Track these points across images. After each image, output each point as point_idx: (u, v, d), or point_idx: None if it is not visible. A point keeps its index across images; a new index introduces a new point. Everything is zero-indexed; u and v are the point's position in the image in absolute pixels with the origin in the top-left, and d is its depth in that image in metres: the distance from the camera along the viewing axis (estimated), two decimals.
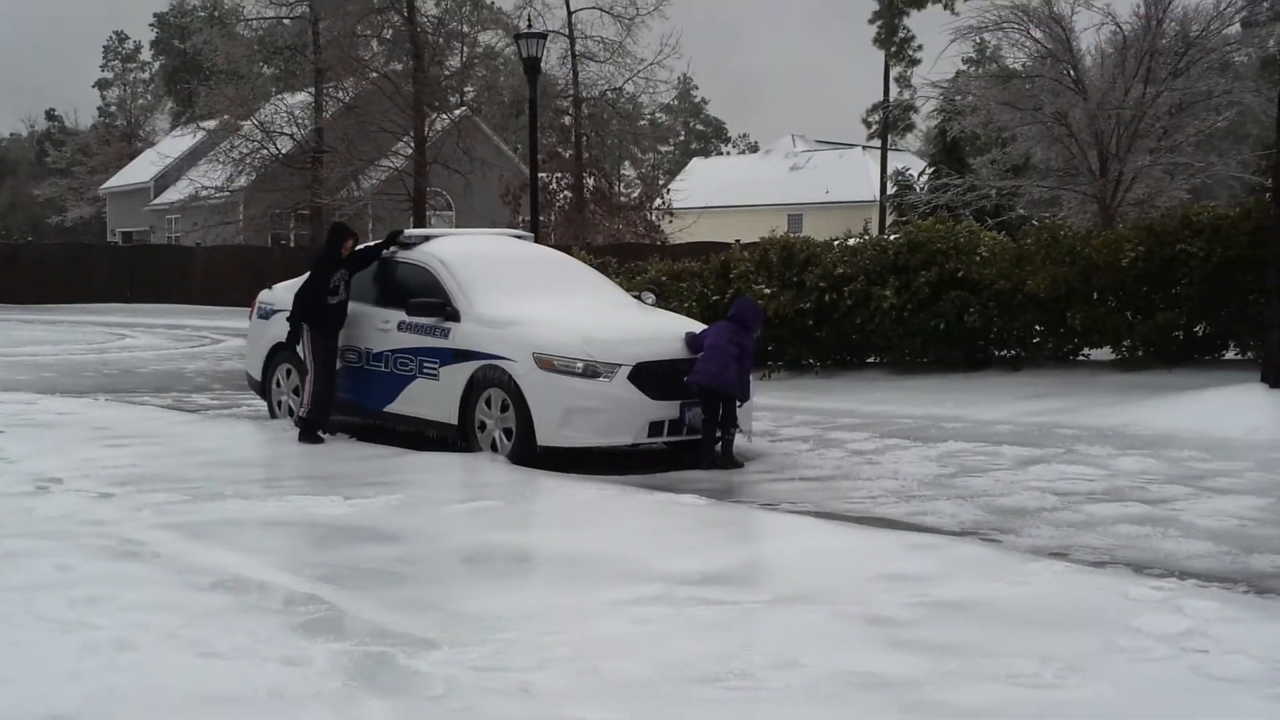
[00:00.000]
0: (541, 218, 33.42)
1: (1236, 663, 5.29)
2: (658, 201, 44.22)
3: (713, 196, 60.56)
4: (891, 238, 18.59)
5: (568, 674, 5.22)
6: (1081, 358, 16.90)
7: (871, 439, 12.16)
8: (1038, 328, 16.82)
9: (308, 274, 12.43)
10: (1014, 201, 30.62)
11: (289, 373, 13.11)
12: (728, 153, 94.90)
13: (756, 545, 8.06)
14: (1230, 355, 16.06)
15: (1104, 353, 16.54)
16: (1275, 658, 5.33)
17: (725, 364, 10.88)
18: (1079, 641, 5.58)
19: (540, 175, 32.54)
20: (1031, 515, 8.59)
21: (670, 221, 42.67)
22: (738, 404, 11.08)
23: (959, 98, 30.21)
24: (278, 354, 13.17)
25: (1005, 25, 23.88)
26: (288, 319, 12.41)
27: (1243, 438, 11.37)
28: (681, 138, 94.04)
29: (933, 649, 5.51)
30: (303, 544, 7.86)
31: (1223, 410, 12.13)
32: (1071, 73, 24.01)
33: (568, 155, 41.20)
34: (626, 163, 51.94)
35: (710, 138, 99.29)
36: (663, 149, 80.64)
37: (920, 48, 62.92)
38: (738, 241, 22.50)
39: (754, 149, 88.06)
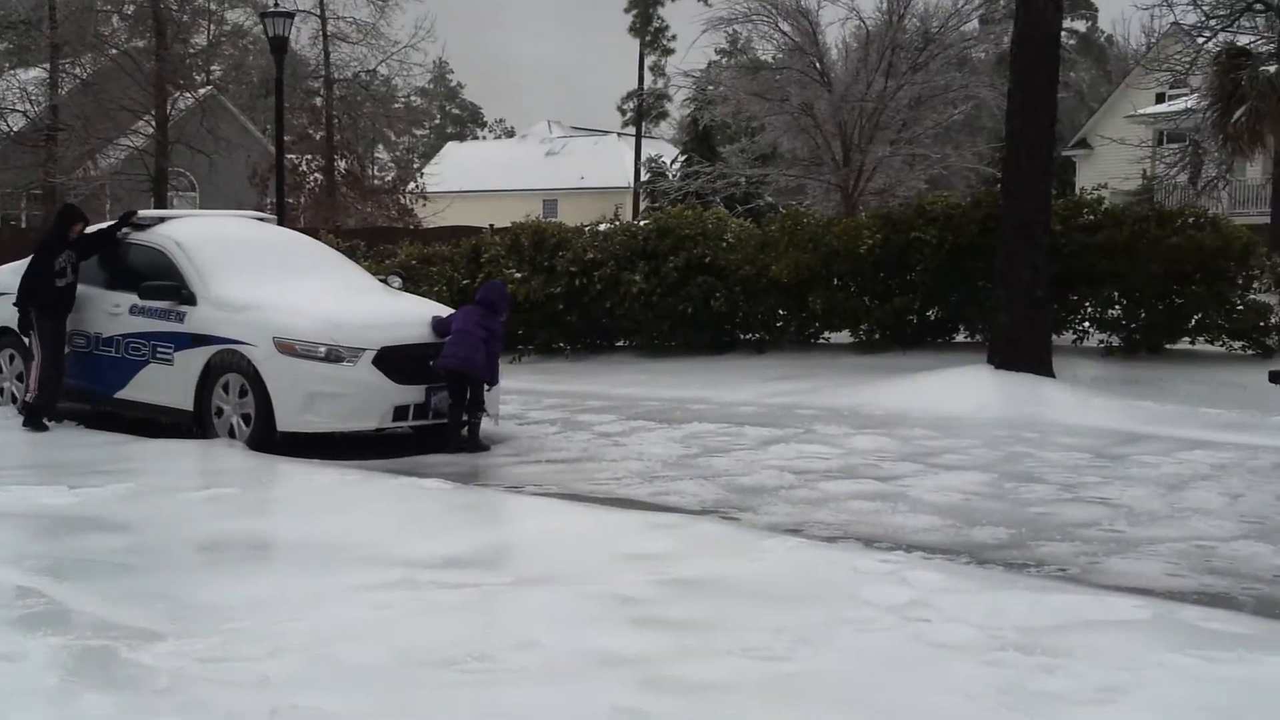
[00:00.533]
0: (290, 200, 32.63)
1: (957, 630, 5.50)
2: (411, 185, 43.70)
3: (468, 181, 60.15)
4: (641, 223, 18.81)
5: (301, 661, 5.09)
6: (822, 341, 17.39)
7: (618, 421, 12.26)
8: (781, 312, 17.22)
9: (31, 256, 11.87)
10: (762, 189, 31.32)
11: (12, 358, 12.50)
12: (484, 137, 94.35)
13: (500, 528, 8.03)
14: (961, 338, 16.74)
15: (843, 336, 17.07)
16: (993, 625, 5.55)
17: (473, 347, 10.82)
18: (810, 614, 5.72)
19: (290, 157, 31.79)
20: (770, 493, 8.79)
21: (424, 205, 42.22)
22: (485, 388, 11.02)
23: (710, 87, 30.72)
24: (1, 338, 12.53)
25: (755, 18, 24.39)
26: (14, 304, 11.82)
27: (971, 416, 11.88)
28: (437, 121, 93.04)
29: (671, 625, 5.57)
30: (24, 536, 7.48)
31: (953, 390, 12.66)
32: (818, 65, 24.66)
33: (319, 137, 40.31)
34: (380, 146, 51.17)
35: (466, 122, 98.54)
36: (417, 132, 79.69)
37: (674, 37, 63.89)
38: (490, 226, 22.41)
39: (510, 134, 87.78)
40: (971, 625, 5.56)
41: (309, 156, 39.86)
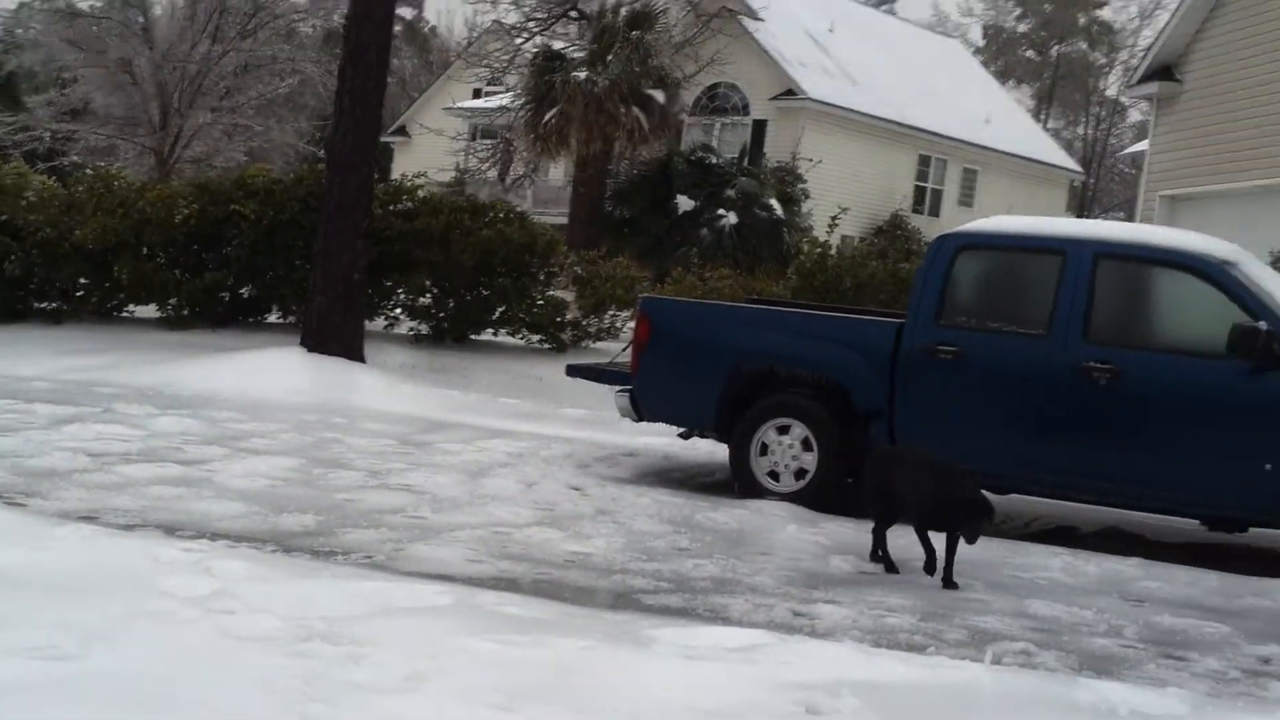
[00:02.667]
0: None
1: (263, 621, 5.34)
2: None
3: None
4: None
5: None
6: (127, 314, 16.52)
7: None
8: (83, 281, 16.19)
9: None
10: (70, 146, 29.34)
11: None
12: None
13: None
14: (274, 319, 16.51)
15: (151, 310, 16.30)
16: (299, 615, 5.44)
17: None
18: (105, 608, 5.33)
19: None
20: (63, 477, 8.16)
21: None
22: None
23: (20, 30, 28.37)
24: None
25: None
26: None
27: (281, 399, 11.74)
28: None
29: None
30: None
31: (264, 372, 12.45)
32: (141, 19, 23.45)
33: None
34: None
35: None
36: None
37: None
38: None
39: None
40: (277, 616, 5.42)
41: None
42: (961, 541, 6.97)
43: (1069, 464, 8.43)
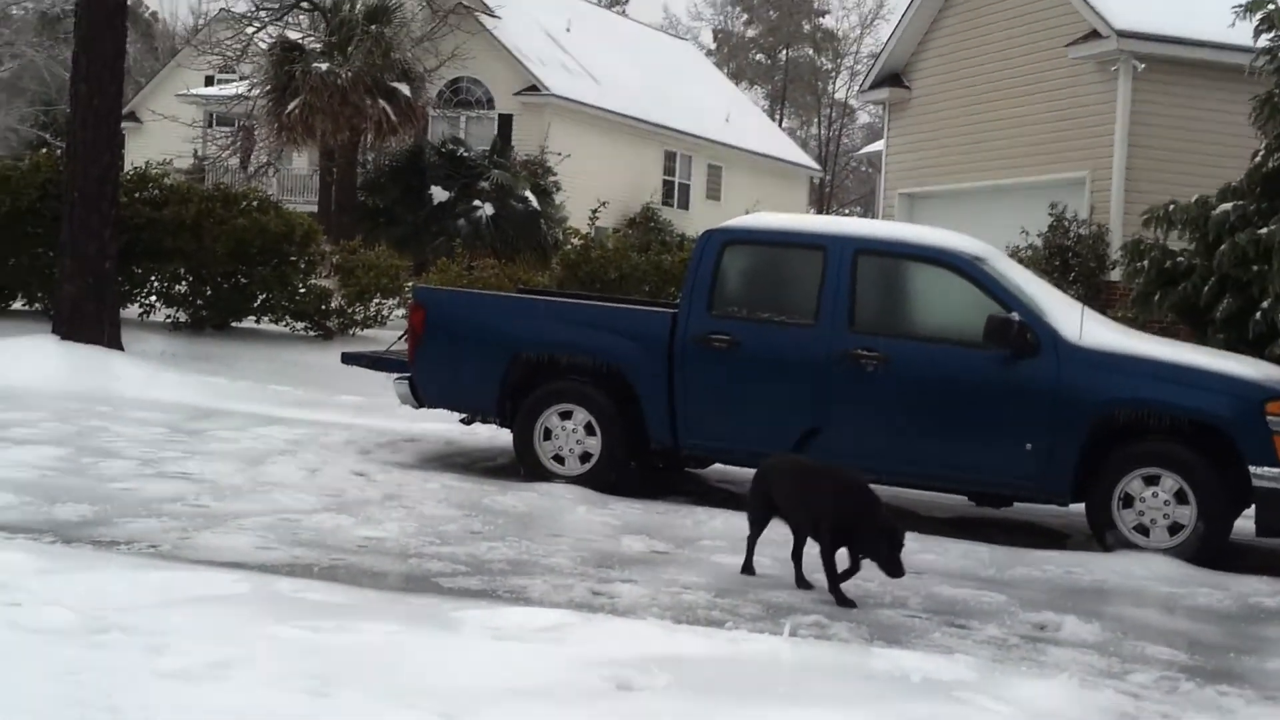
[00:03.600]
0: None
1: (54, 613, 5.14)
2: None
3: None
4: None
5: None
6: None
7: None
8: None
9: None
10: None
11: None
12: None
13: None
14: (19, 305, 15.79)
15: None
16: (93, 606, 5.26)
17: None
18: None
19: None
20: None
21: None
22: None
23: None
24: None
25: None
26: None
27: (38, 388, 11.27)
28: None
29: None
30: None
31: (16, 360, 11.92)
32: None
33: None
34: None
35: None
36: None
37: None
38: None
39: None
40: (69, 608, 5.22)
41: None
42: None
43: (843, 446, 8.76)
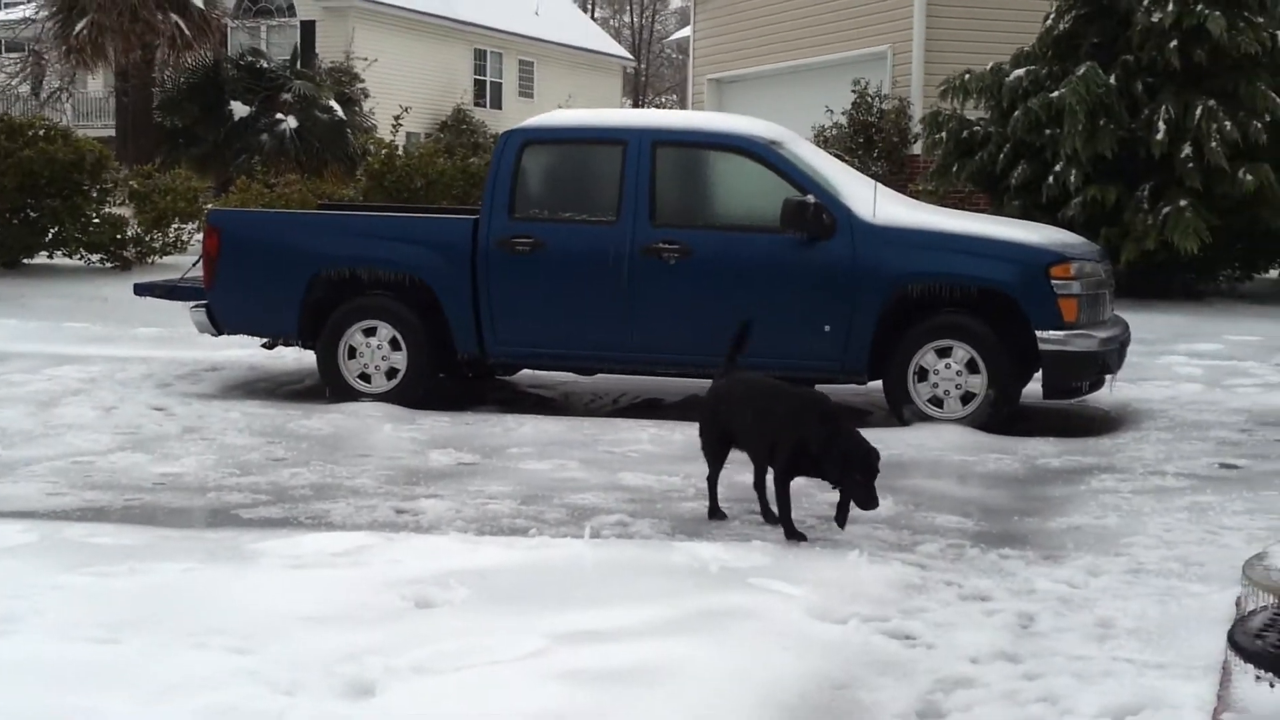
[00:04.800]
0: None
1: None
2: None
3: None
4: None
5: None
6: None
7: None
8: None
9: None
10: None
11: None
12: None
13: None
14: None
15: None
16: None
17: None
18: None
19: None
20: None
21: None
22: None
23: None
24: None
25: None
26: None
27: None
28: None
29: None
30: None
31: None
32: None
33: None
34: None
35: None
36: None
37: None
38: None
39: None
40: None
41: None
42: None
43: (650, 341, 8.84)
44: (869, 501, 5.47)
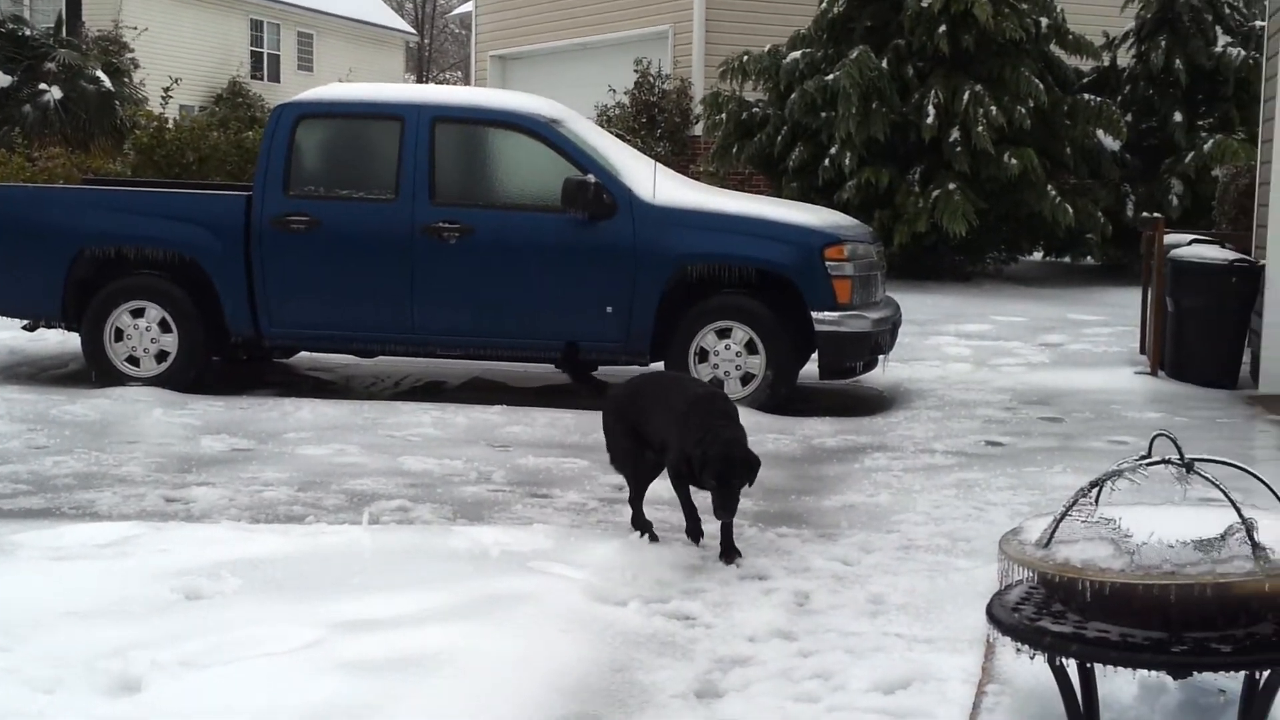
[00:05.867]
0: None
1: None
2: None
3: None
4: None
5: None
6: None
7: None
8: None
9: None
10: None
11: None
12: None
13: None
14: None
15: None
16: None
17: None
18: None
19: None
20: None
21: None
22: None
23: None
24: None
25: None
26: None
27: None
28: None
29: None
30: None
31: None
32: None
33: None
34: None
35: None
36: None
37: None
38: None
39: None
40: None
41: None
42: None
43: (431, 322, 8.73)
44: (721, 510, 5.02)
